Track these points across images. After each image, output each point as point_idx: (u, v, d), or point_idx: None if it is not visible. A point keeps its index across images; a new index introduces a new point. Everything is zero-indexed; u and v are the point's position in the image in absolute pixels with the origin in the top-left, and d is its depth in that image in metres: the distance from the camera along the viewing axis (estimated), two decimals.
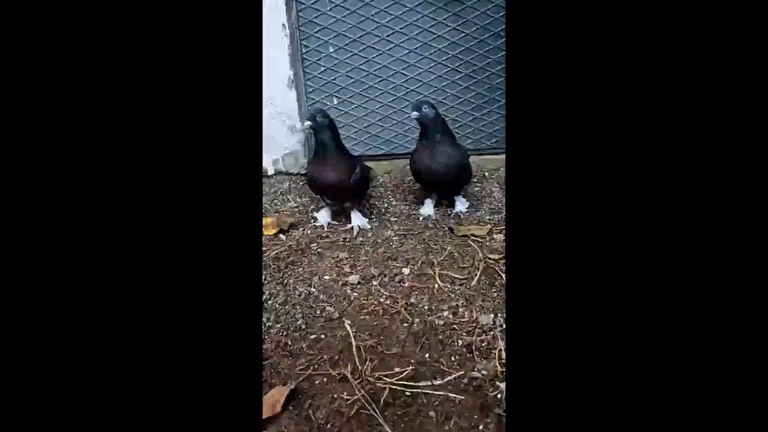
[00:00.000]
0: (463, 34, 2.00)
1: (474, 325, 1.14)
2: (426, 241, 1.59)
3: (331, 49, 2.00)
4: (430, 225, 1.70)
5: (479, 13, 1.97)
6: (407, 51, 2.03)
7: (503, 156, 2.13)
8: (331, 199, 1.73)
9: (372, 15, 1.96)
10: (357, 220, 1.71)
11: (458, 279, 1.34)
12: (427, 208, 1.78)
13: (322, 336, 1.13)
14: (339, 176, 1.58)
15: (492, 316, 1.16)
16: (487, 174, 2.09)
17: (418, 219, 1.75)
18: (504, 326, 1.13)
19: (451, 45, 2.02)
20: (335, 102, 2.09)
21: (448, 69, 2.06)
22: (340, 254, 1.52)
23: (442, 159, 1.65)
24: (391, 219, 1.76)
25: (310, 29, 1.96)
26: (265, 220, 1.74)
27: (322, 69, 2.03)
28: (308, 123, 1.55)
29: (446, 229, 1.66)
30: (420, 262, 1.45)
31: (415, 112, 1.62)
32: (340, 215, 1.76)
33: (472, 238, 1.57)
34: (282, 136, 2.04)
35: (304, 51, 1.99)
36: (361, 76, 2.05)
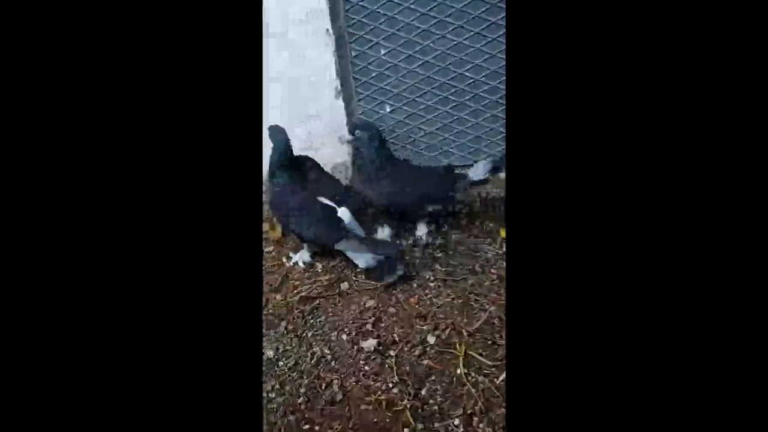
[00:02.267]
0: None
1: None
2: (467, 293, 1.39)
3: (383, 52, 1.76)
4: (477, 268, 1.49)
5: None
6: (472, 49, 1.70)
7: None
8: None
9: (429, 9, 1.66)
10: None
11: (487, 365, 1.15)
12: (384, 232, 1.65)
13: (317, 427, 1.06)
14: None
15: None
16: None
17: (467, 255, 1.54)
18: None
19: None
20: (388, 110, 1.87)
21: None
22: (368, 302, 1.41)
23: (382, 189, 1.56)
24: (436, 254, 1.58)
25: (359, 30, 1.74)
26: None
27: (374, 74, 1.81)
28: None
29: (495, 277, 1.44)
30: (449, 328, 1.27)
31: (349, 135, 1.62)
32: None
33: None
34: (331, 148, 1.92)
35: (353, 55, 1.78)
36: (416, 80, 1.79)
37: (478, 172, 1.65)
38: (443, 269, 1.51)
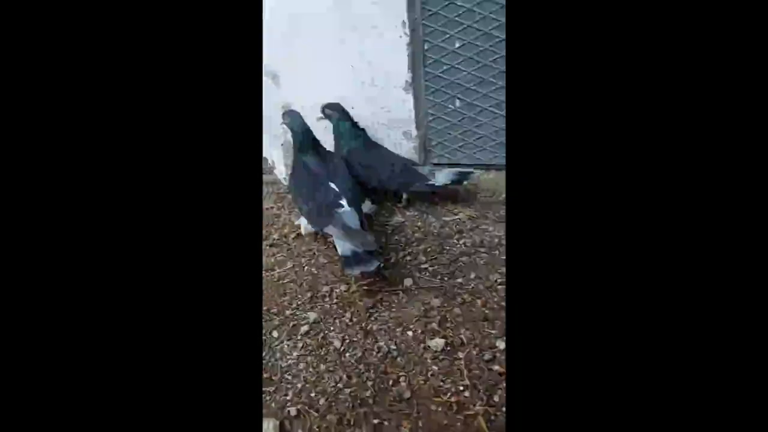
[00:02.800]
0: None
1: None
2: None
3: (457, 45, 1.72)
4: None
5: None
6: None
7: None
8: None
9: None
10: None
11: None
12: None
13: (386, 423, 1.05)
14: None
15: None
16: None
17: None
18: None
19: None
20: (457, 104, 1.83)
21: None
22: (432, 300, 1.39)
23: None
24: (502, 257, 1.53)
25: (434, 22, 1.70)
26: None
27: (446, 67, 1.77)
28: None
29: None
30: None
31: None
32: None
33: None
34: (394, 143, 1.90)
35: (426, 48, 1.75)
36: (489, 75, 1.73)
37: (439, 178, 1.72)
38: None
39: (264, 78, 1.84)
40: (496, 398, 1.07)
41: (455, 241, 1.63)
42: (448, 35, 1.71)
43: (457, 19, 1.67)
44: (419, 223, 1.75)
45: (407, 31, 1.68)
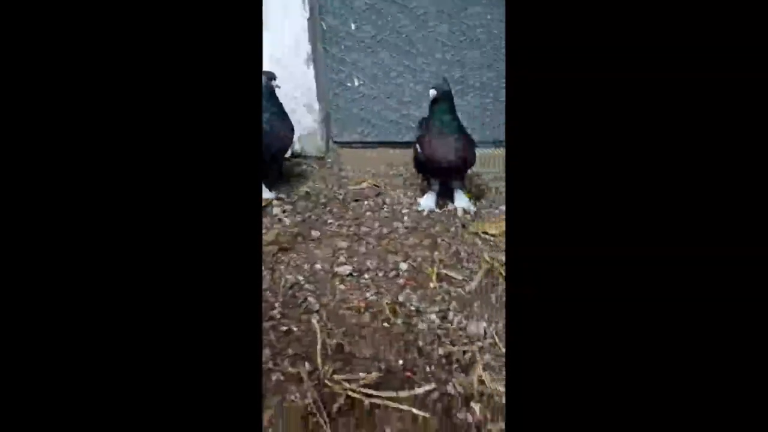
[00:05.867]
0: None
1: (461, 333, 1.01)
2: (434, 236, 1.46)
3: (353, 27, 1.90)
4: (443, 219, 1.58)
5: None
6: (432, 30, 1.88)
7: None
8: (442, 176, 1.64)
9: None
10: (461, 201, 1.63)
11: (457, 279, 1.21)
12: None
13: (294, 328, 1.05)
14: (462, 154, 1.51)
15: (483, 324, 1.02)
16: None
17: (425, 213, 1.62)
18: (494, 339, 0.99)
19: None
20: (356, 83, 1.99)
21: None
22: (340, 243, 1.44)
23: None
24: (402, 211, 1.65)
25: (331, 6, 1.87)
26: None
27: (343, 48, 1.93)
28: (433, 91, 1.46)
29: (458, 225, 1.53)
30: (420, 258, 1.33)
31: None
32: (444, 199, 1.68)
33: (483, 236, 1.43)
34: (298, 115, 1.97)
35: (325, 28, 1.90)
36: (388, 59, 1.93)
37: None
38: (411, 220, 1.58)
39: None
40: (401, 298, 1.14)
41: (359, 203, 1.72)
42: (343, 18, 1.89)
43: (352, 5, 1.86)
44: (326, 192, 1.81)
45: (307, 8, 1.81)
